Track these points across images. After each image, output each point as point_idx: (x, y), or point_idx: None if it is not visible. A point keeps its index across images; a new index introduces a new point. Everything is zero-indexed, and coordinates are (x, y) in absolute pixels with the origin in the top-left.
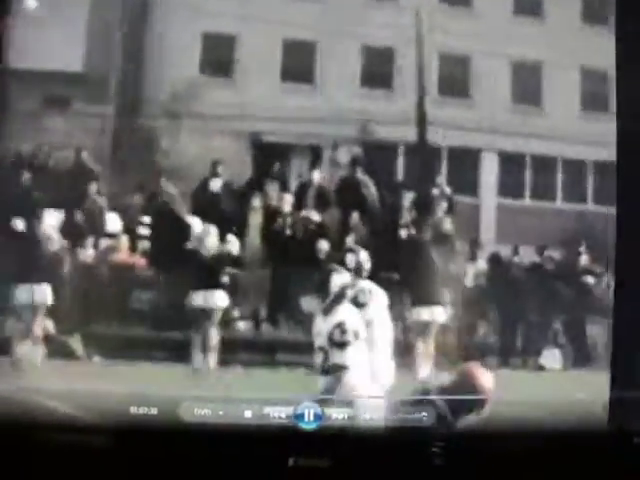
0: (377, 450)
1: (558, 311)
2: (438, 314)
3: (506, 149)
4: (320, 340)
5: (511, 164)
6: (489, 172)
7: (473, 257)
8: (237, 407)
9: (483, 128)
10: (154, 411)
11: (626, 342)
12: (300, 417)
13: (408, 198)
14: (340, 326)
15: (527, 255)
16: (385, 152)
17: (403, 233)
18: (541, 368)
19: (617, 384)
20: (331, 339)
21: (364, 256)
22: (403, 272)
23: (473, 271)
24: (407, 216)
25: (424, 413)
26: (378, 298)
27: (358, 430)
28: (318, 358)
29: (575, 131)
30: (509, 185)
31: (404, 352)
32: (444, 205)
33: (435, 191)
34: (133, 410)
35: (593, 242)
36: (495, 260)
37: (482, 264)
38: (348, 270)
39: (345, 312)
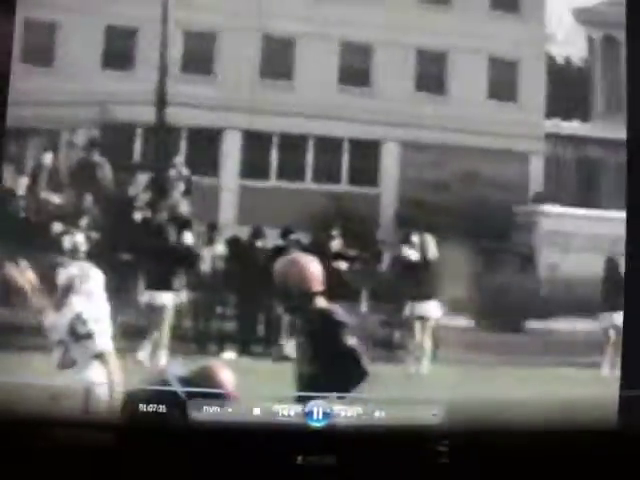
0: (385, 448)
1: None
2: (172, 299)
3: (250, 127)
4: (57, 334)
5: (255, 143)
6: (231, 152)
7: (211, 240)
8: (246, 405)
9: (226, 106)
10: (162, 409)
11: (636, 340)
12: (309, 415)
13: (143, 180)
14: (79, 318)
15: (271, 238)
16: (123, 133)
17: (138, 215)
18: (285, 358)
19: (627, 383)
20: (73, 332)
21: (80, 238)
22: (137, 255)
23: (210, 254)
24: (142, 198)
25: (433, 411)
26: (96, 278)
27: (367, 428)
28: (58, 352)
29: (330, 106)
30: (253, 165)
31: (137, 337)
32: (181, 186)
33: (172, 172)
34: (142, 407)
35: (347, 225)
36: (234, 243)
37: (220, 247)
38: (64, 252)
39: (80, 303)
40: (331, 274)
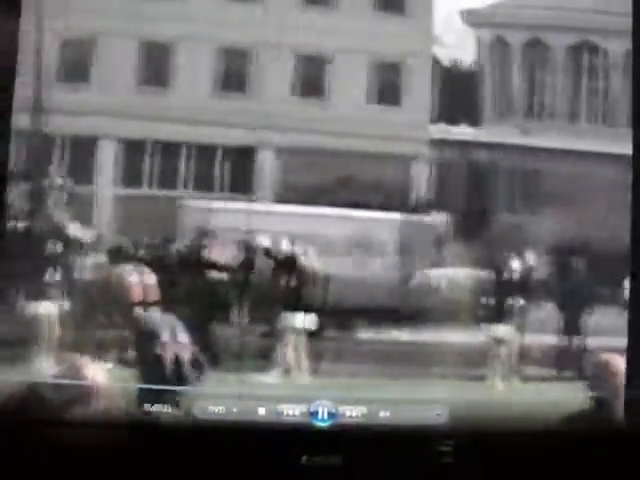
0: (390, 448)
1: (183, 306)
2: (51, 308)
3: (126, 134)
4: None
5: (131, 150)
6: (106, 160)
7: (87, 249)
8: (251, 405)
9: (102, 113)
10: (168, 408)
11: None
12: (314, 415)
13: (19, 189)
14: None
15: (151, 248)
16: None
17: (13, 225)
18: None
19: (632, 383)
20: None
21: None
22: (15, 265)
23: (92, 263)
24: (18, 207)
25: (437, 412)
26: None
27: (372, 428)
28: None
29: (206, 112)
30: (128, 173)
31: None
32: (57, 196)
33: (48, 181)
34: (147, 407)
35: (223, 233)
36: (114, 253)
37: (101, 257)
38: None
39: None
40: (207, 284)
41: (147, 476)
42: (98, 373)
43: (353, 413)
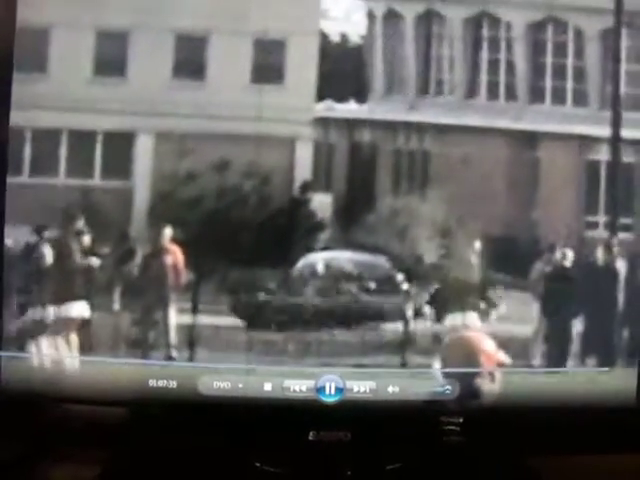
0: (399, 423)
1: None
2: None
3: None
4: None
5: (10, 138)
6: None
7: None
8: (257, 380)
9: None
10: (173, 384)
11: None
12: (321, 390)
13: None
14: None
15: (24, 236)
16: None
17: None
18: None
19: None
20: None
21: None
22: None
23: None
24: None
25: (448, 387)
26: None
27: (379, 403)
28: None
29: (84, 99)
30: (10, 162)
31: None
32: None
33: None
34: (152, 383)
35: (98, 221)
36: None
37: None
38: None
39: None
40: (83, 270)
41: (151, 453)
42: None
43: (361, 388)
